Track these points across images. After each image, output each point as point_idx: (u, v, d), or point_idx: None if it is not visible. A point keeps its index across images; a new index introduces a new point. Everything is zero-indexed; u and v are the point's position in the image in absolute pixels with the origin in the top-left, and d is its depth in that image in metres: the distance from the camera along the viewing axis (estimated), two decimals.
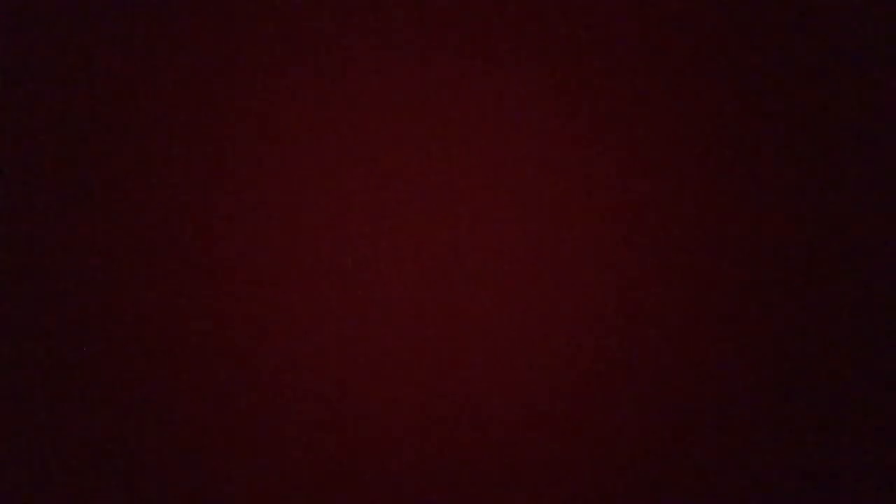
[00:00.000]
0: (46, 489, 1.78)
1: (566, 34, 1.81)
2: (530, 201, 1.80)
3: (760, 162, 1.80)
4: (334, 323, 1.79)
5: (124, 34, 1.81)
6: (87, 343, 1.77)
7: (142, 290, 1.79)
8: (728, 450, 1.77)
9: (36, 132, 1.81)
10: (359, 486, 1.77)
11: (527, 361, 1.78)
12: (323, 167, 1.80)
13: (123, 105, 1.81)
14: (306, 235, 1.80)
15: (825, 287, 1.79)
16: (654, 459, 1.77)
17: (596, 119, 1.80)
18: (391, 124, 1.81)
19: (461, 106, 1.81)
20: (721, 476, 1.77)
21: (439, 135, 1.81)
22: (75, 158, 1.80)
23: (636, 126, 1.80)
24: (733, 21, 1.81)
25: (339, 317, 1.79)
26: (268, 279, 1.79)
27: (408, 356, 1.78)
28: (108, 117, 1.81)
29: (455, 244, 1.79)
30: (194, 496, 1.77)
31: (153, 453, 1.77)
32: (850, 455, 1.77)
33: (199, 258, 1.79)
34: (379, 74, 1.81)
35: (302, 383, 1.78)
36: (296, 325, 1.79)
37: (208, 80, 1.81)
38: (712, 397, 1.77)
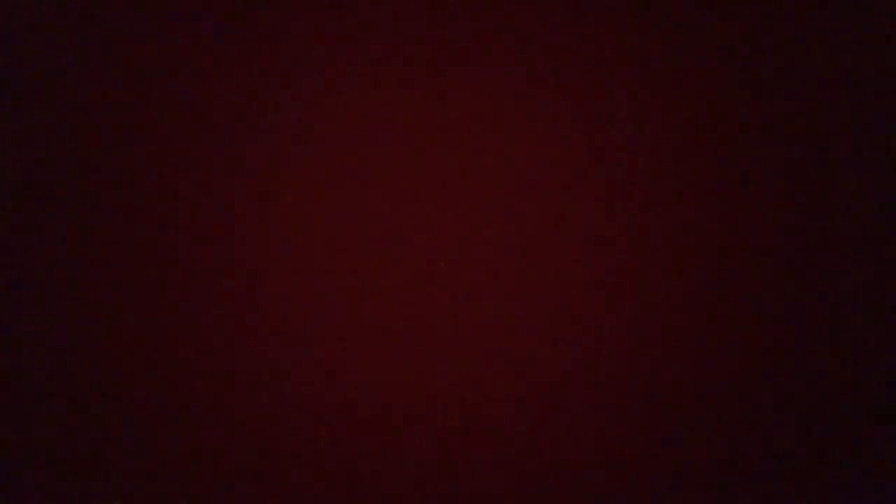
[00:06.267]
0: (47, 488, 1.78)
1: (566, 35, 1.81)
2: (531, 202, 1.80)
3: (760, 161, 1.80)
4: (336, 323, 1.79)
5: (137, 36, 1.82)
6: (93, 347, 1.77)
7: (143, 290, 1.79)
8: (728, 450, 1.77)
9: (44, 135, 1.81)
10: (359, 486, 1.78)
11: (527, 360, 1.78)
12: (324, 168, 1.81)
13: (131, 107, 1.81)
14: (308, 236, 1.80)
15: (824, 286, 1.79)
16: (654, 458, 1.77)
17: (597, 120, 1.80)
18: (393, 126, 1.81)
19: (463, 107, 1.81)
20: (721, 476, 1.77)
21: (440, 136, 1.81)
22: (86, 160, 1.80)
23: (637, 126, 1.80)
24: (733, 20, 1.81)
25: (340, 317, 1.79)
26: (269, 280, 1.79)
27: (409, 356, 1.78)
28: (117, 119, 1.81)
29: (456, 244, 1.80)
30: (195, 495, 1.77)
31: (153, 452, 1.77)
32: (850, 455, 1.77)
33: (201, 258, 1.79)
34: (382, 76, 1.81)
35: (303, 383, 1.78)
36: (296, 324, 1.79)
37: (214, 82, 1.81)
38: (713, 397, 1.78)
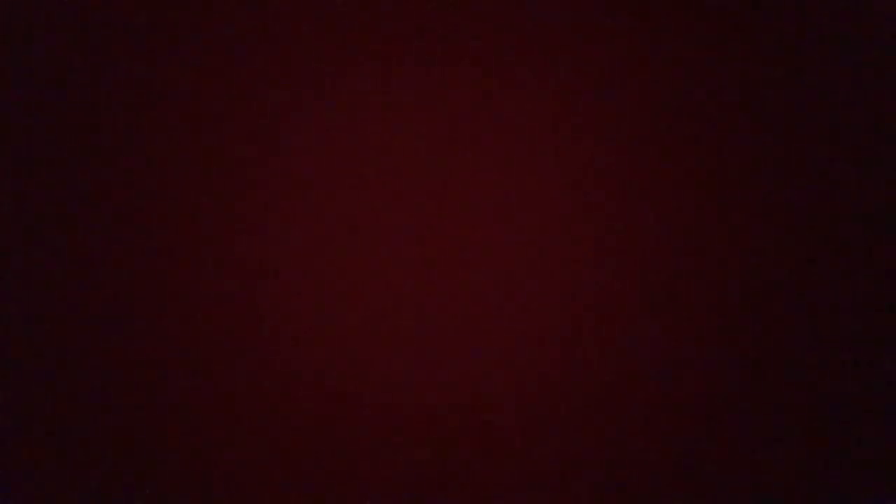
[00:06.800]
0: (49, 489, 1.78)
1: (564, 36, 1.81)
2: (531, 203, 1.80)
3: (759, 162, 1.80)
4: (337, 323, 1.79)
5: (135, 37, 1.82)
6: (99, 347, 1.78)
7: (144, 290, 1.79)
8: (727, 450, 1.77)
9: (46, 135, 1.81)
10: (361, 486, 1.78)
11: (527, 361, 1.78)
12: (326, 169, 1.81)
13: (130, 108, 1.81)
14: (310, 236, 1.80)
15: (823, 287, 1.79)
16: (655, 459, 1.77)
17: (596, 121, 1.81)
18: (395, 126, 1.81)
19: (462, 109, 1.81)
20: (719, 476, 1.77)
21: (440, 137, 1.81)
22: (86, 160, 1.81)
23: (635, 128, 1.81)
24: (731, 21, 1.81)
25: (342, 317, 1.79)
26: (270, 279, 1.79)
27: (409, 357, 1.79)
28: (116, 120, 1.81)
29: (457, 244, 1.80)
30: (197, 495, 1.77)
31: (154, 452, 1.78)
32: (849, 455, 1.77)
33: (203, 259, 1.80)
34: (382, 77, 1.82)
35: (304, 383, 1.78)
36: (297, 324, 1.79)
37: (213, 82, 1.82)
38: (712, 397, 1.78)
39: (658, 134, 1.81)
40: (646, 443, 1.77)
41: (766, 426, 1.77)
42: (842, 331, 1.78)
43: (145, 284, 1.79)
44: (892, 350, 1.78)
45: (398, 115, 1.81)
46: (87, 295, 1.79)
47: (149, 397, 1.78)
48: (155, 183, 1.80)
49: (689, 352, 1.78)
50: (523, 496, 1.77)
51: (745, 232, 1.79)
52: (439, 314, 1.79)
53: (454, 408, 1.78)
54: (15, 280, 1.79)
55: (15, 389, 1.78)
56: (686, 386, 1.78)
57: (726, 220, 1.80)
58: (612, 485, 1.77)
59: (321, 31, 1.82)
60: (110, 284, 1.79)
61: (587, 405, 1.78)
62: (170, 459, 1.77)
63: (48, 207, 1.80)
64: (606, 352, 1.78)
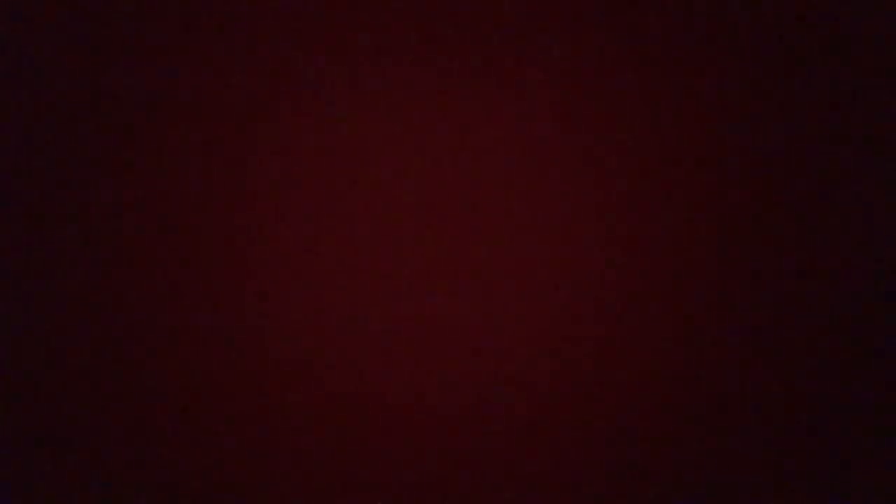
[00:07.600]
0: (50, 489, 1.78)
1: (566, 36, 1.81)
2: (532, 203, 1.80)
3: (760, 163, 1.80)
4: (339, 322, 1.79)
5: (134, 36, 1.82)
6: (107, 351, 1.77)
7: (148, 289, 1.79)
8: (727, 450, 1.77)
9: (47, 134, 1.81)
10: (363, 485, 1.78)
11: (528, 361, 1.78)
12: (328, 169, 1.81)
13: (128, 108, 1.81)
14: (310, 236, 1.80)
15: (823, 287, 1.79)
16: (652, 458, 1.77)
17: (596, 121, 1.81)
18: (396, 127, 1.81)
19: (463, 109, 1.81)
20: (719, 476, 1.77)
21: (441, 138, 1.81)
22: (86, 160, 1.80)
23: (636, 128, 1.80)
24: (732, 22, 1.81)
25: (344, 316, 1.79)
26: (274, 280, 1.79)
27: (412, 356, 1.79)
28: (112, 120, 1.81)
29: (457, 244, 1.80)
30: (201, 495, 1.77)
31: (157, 452, 1.78)
32: (848, 455, 1.77)
33: (204, 257, 1.79)
34: (383, 76, 1.81)
35: (306, 383, 1.78)
36: (301, 324, 1.79)
37: (212, 82, 1.81)
38: (712, 397, 1.78)
39: (660, 134, 1.80)
40: (647, 444, 1.77)
41: (768, 427, 1.78)
42: (843, 331, 1.78)
43: (144, 284, 1.79)
44: (893, 350, 1.78)
45: (398, 115, 1.81)
46: (87, 294, 1.79)
47: (148, 398, 1.78)
48: (153, 182, 1.80)
49: (691, 352, 1.78)
50: (524, 496, 1.77)
51: (746, 232, 1.79)
52: (440, 314, 1.79)
53: (454, 408, 1.78)
54: (14, 280, 1.79)
55: (14, 389, 1.78)
56: (688, 387, 1.78)
57: (728, 219, 1.79)
58: (613, 485, 1.77)
59: (321, 31, 1.82)
60: (108, 284, 1.79)
61: (588, 405, 1.78)
62: (169, 460, 1.77)
63: (47, 206, 1.80)
64: (608, 353, 1.78)
